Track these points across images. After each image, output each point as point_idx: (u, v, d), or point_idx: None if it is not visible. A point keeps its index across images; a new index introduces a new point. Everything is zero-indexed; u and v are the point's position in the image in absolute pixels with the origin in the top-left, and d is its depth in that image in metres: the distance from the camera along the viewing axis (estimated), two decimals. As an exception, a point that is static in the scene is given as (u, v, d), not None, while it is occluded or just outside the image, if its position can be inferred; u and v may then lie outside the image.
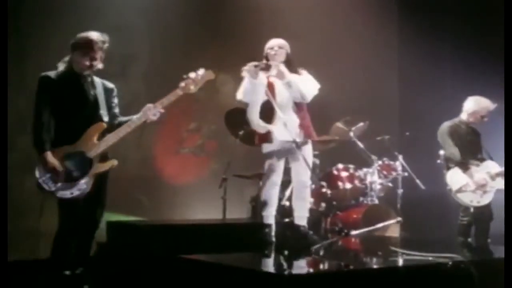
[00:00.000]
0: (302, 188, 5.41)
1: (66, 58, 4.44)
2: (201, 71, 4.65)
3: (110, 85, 4.57)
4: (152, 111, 4.47)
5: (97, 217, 4.49)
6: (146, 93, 7.05)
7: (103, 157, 4.36)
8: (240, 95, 5.33)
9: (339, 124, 7.00)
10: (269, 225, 5.28)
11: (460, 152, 6.24)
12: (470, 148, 6.34)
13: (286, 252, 5.01)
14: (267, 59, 5.37)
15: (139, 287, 5.07)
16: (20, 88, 6.20)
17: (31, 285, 5.42)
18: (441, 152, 6.42)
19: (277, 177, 5.31)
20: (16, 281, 5.26)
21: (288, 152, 5.34)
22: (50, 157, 4.18)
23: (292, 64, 5.40)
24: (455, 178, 6.23)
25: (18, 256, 5.85)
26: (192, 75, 4.60)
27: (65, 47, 6.16)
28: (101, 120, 4.41)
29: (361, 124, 7.09)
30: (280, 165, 5.31)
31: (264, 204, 5.32)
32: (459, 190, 6.18)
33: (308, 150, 5.41)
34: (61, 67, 4.41)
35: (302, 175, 5.37)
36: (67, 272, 4.23)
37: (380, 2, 8.74)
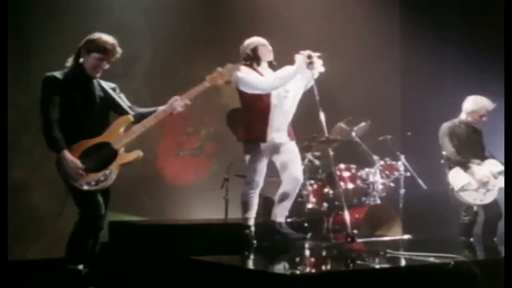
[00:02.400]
0: (295, 185, 5.32)
1: (72, 58, 4.39)
2: (228, 65, 4.70)
3: (113, 84, 4.57)
4: (179, 103, 4.48)
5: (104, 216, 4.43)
6: (148, 93, 7.06)
7: (128, 149, 4.36)
8: (276, 81, 5.22)
9: (341, 124, 6.98)
10: (249, 226, 5.21)
11: (460, 152, 6.23)
12: (471, 147, 6.32)
13: (287, 253, 4.99)
14: (256, 55, 5.31)
15: (140, 287, 5.08)
16: (23, 88, 6.21)
17: (36, 284, 5.44)
18: (444, 152, 6.41)
19: (260, 178, 5.21)
20: (19, 280, 5.28)
21: (273, 152, 5.27)
22: (68, 155, 4.13)
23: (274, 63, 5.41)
24: (456, 177, 6.22)
25: (19, 256, 5.87)
26: (219, 68, 4.64)
27: (67, 47, 6.21)
28: (123, 114, 4.42)
29: (363, 124, 7.08)
30: (264, 166, 5.21)
31: (246, 206, 5.21)
32: (461, 189, 6.17)
33: (295, 147, 5.38)
34: (69, 65, 4.37)
35: (296, 170, 5.30)
36: (80, 267, 4.20)
37: (382, 2, 8.72)
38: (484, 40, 7.75)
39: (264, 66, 5.33)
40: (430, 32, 8.27)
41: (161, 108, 4.50)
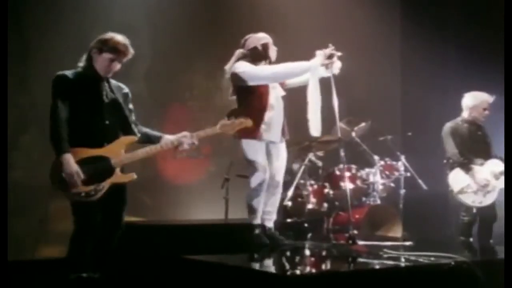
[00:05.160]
0: (277, 188, 5.28)
1: (84, 57, 4.33)
2: (240, 119, 4.70)
3: (125, 89, 4.49)
4: (188, 140, 4.44)
5: (120, 219, 4.38)
6: (148, 94, 7.07)
7: (123, 168, 4.29)
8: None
9: (341, 124, 6.98)
10: (259, 226, 5.13)
11: (462, 152, 6.19)
12: (475, 146, 6.26)
13: (288, 253, 4.99)
14: (266, 52, 5.21)
15: (141, 287, 5.07)
16: (23, 88, 6.21)
17: (36, 284, 5.43)
18: (447, 153, 6.37)
19: (263, 178, 5.11)
20: (19, 280, 5.28)
21: (269, 151, 5.20)
22: (70, 160, 4.05)
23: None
24: (456, 179, 6.18)
25: (20, 257, 5.87)
26: (232, 119, 4.66)
27: (67, 46, 6.22)
28: (129, 132, 4.35)
29: (364, 124, 7.08)
30: (265, 165, 5.12)
31: (252, 207, 5.12)
32: (461, 191, 6.13)
33: (285, 151, 5.34)
34: (81, 64, 4.31)
35: (280, 174, 5.26)
36: (84, 274, 4.14)
37: (383, 1, 8.71)
38: (484, 39, 7.74)
39: (262, 64, 5.25)
40: (431, 32, 8.26)
41: (168, 137, 4.44)
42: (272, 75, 5.10)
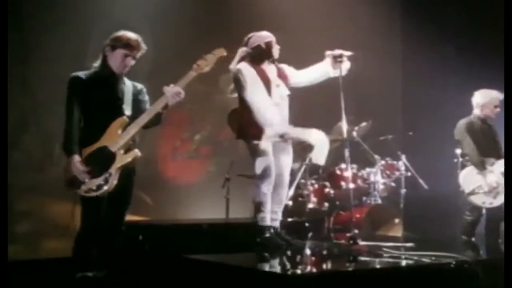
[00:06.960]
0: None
1: (99, 58, 4.36)
2: (214, 51, 4.59)
3: (139, 85, 4.53)
4: (172, 92, 4.32)
5: (122, 216, 4.41)
6: (151, 93, 7.05)
7: (128, 150, 4.28)
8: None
9: (342, 124, 6.96)
10: (271, 227, 5.09)
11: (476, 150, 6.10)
12: (487, 145, 6.16)
13: (289, 252, 4.98)
14: (269, 51, 5.20)
15: (141, 287, 5.07)
16: (23, 88, 6.20)
17: (36, 284, 5.43)
18: (458, 151, 6.28)
19: (272, 176, 5.06)
20: (19, 280, 5.28)
21: (278, 150, 5.18)
22: (76, 162, 4.11)
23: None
24: (468, 179, 6.05)
25: (19, 256, 5.86)
26: (204, 55, 4.54)
27: (67, 47, 6.22)
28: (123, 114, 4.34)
29: (364, 123, 7.07)
30: (272, 163, 5.06)
31: (261, 205, 5.05)
32: (472, 192, 6.02)
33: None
34: (95, 66, 4.35)
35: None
36: (90, 274, 4.15)
37: (383, 0, 8.71)
38: (484, 39, 7.74)
39: (266, 62, 5.24)
40: (431, 31, 8.26)
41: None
42: (261, 119, 5.02)
